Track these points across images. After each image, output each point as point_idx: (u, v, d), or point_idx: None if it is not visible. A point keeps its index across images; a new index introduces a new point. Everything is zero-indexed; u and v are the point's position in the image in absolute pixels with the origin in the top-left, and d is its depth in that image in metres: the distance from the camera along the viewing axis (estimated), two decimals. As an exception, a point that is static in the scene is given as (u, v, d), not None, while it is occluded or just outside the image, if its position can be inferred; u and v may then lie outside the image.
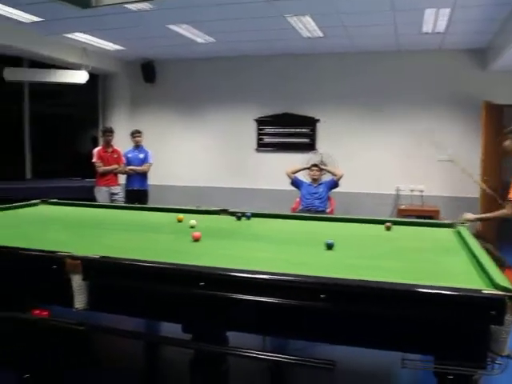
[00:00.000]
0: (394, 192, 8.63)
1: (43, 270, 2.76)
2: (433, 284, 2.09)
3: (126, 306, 2.67)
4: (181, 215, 5.15)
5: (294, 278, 2.25)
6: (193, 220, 3.73)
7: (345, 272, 2.36)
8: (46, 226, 4.02)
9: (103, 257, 2.60)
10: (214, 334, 2.58)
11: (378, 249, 3.22)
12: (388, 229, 3.89)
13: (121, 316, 2.89)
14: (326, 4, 6.06)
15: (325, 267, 2.57)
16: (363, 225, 4.21)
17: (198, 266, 2.41)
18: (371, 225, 4.16)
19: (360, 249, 3.22)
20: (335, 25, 6.91)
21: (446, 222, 4.20)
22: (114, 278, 2.57)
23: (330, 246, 3.05)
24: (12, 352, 3.10)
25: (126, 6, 5.74)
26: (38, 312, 2.90)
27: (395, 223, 4.06)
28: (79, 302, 2.59)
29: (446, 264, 2.75)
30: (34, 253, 2.80)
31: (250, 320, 2.47)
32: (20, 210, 4.94)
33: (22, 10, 6.53)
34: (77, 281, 2.58)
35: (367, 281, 2.17)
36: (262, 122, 9.20)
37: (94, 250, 2.70)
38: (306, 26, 6.98)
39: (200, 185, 9.51)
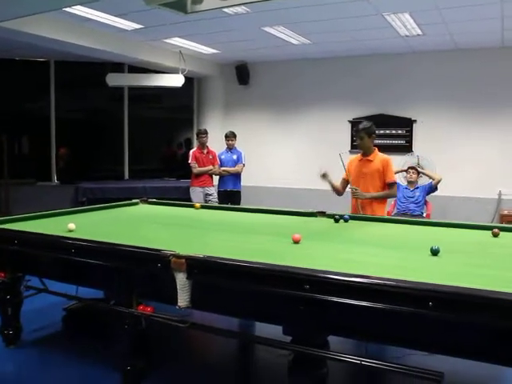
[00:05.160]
0: (495, 196, 8.17)
1: (148, 268, 2.85)
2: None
3: (229, 306, 2.70)
4: (197, 204, 5.33)
5: (403, 284, 2.17)
6: (71, 224, 3.57)
7: (454, 280, 2.24)
8: (148, 225, 4.16)
9: (208, 256, 2.64)
10: (314, 337, 2.54)
11: (488, 256, 3.03)
12: (495, 235, 3.65)
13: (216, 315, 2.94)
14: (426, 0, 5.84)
15: (432, 274, 2.46)
16: (466, 230, 3.99)
17: (304, 269, 2.38)
18: (474, 230, 3.94)
19: (468, 256, 3.05)
20: (435, 22, 6.64)
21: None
22: (217, 277, 2.60)
23: (435, 252, 2.92)
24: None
25: (223, 9, 5.82)
26: (142, 308, 3.00)
27: (502, 230, 3.80)
28: (183, 300, 2.64)
29: None
30: (139, 250, 2.89)
31: (353, 325, 2.42)
32: (122, 209, 5.15)
33: (125, 19, 6.83)
34: (181, 279, 2.63)
35: (483, 290, 2.05)
36: (356, 124, 9.00)
37: (195, 250, 2.76)
38: (405, 24, 6.76)
39: (292, 186, 9.48)
